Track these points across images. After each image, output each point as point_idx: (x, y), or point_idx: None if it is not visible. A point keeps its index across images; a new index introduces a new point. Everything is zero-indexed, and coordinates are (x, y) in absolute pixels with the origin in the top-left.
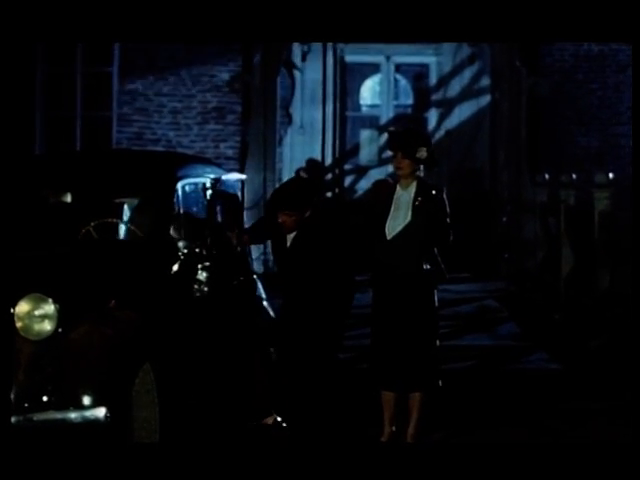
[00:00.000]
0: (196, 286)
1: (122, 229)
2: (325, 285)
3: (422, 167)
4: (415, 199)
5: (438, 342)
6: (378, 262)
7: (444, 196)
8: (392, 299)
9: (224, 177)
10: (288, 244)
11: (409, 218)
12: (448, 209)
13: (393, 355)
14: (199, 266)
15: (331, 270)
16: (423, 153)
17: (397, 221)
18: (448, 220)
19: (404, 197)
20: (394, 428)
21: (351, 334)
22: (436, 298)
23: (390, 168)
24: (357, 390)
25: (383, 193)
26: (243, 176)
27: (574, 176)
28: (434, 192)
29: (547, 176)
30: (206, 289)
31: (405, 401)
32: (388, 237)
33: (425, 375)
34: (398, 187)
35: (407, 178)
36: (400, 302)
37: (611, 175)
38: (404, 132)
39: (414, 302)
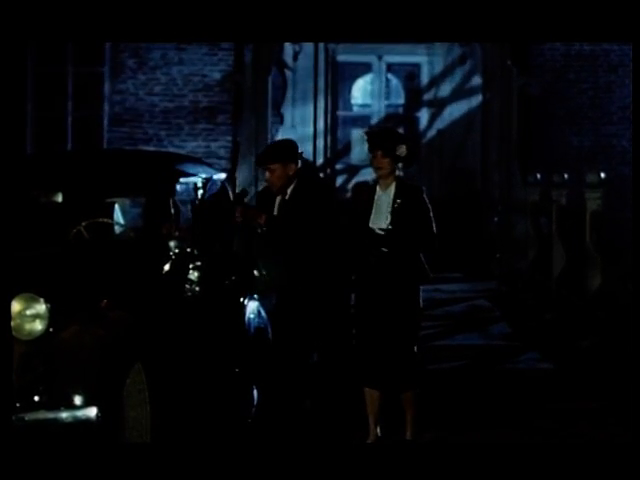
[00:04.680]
0: (188, 286)
1: (113, 229)
2: (313, 250)
3: (400, 166)
4: (394, 201)
5: (416, 345)
6: (361, 264)
7: (424, 197)
8: (375, 299)
9: (215, 177)
10: (275, 211)
11: (389, 220)
12: (431, 211)
13: (377, 354)
14: (191, 266)
15: (317, 236)
16: (403, 150)
17: (378, 223)
18: (432, 223)
19: (383, 199)
20: (379, 431)
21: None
22: (420, 299)
23: None
24: (340, 391)
25: (364, 195)
26: (222, 175)
27: (565, 176)
28: (413, 193)
29: (538, 176)
30: (198, 289)
31: (396, 402)
32: (370, 239)
33: (411, 373)
34: (377, 188)
35: (386, 178)
36: (383, 302)
37: (602, 175)
38: (381, 131)
39: (398, 302)
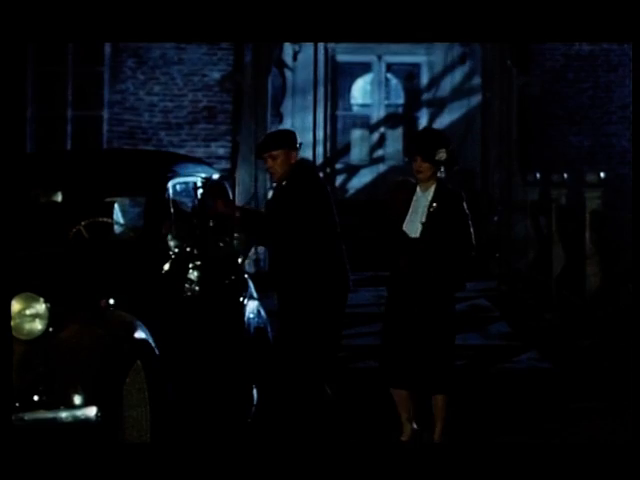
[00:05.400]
0: (187, 285)
1: (113, 228)
2: (299, 243)
3: (443, 169)
4: (431, 204)
5: (450, 351)
6: (395, 264)
7: (463, 204)
8: (406, 302)
9: (214, 177)
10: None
11: (424, 223)
12: (469, 219)
13: (405, 355)
14: (190, 265)
15: (306, 229)
16: (442, 155)
17: (414, 224)
18: (470, 231)
19: (422, 200)
20: (415, 426)
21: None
22: (454, 306)
23: (382, 167)
24: (364, 391)
25: (402, 193)
26: (216, 174)
27: (565, 175)
28: (452, 199)
29: (538, 175)
30: (197, 288)
31: (427, 403)
32: (404, 239)
33: (443, 377)
34: (418, 189)
35: (427, 181)
36: (413, 306)
37: (602, 174)
38: (421, 134)
39: (428, 307)
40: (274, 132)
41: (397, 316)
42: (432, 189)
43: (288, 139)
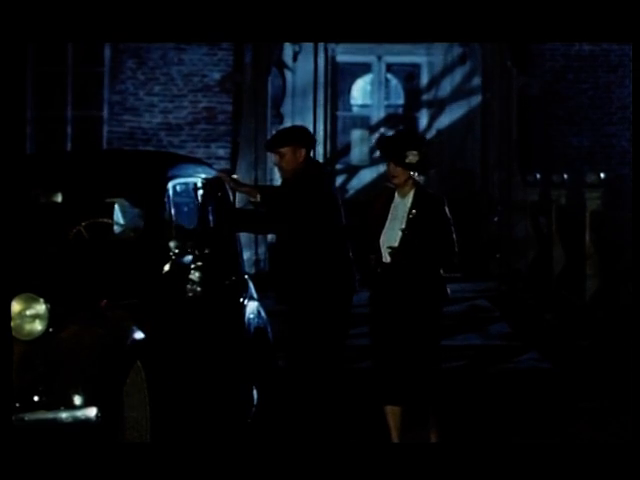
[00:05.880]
0: (187, 286)
1: (113, 229)
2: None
3: (416, 174)
4: (410, 210)
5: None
6: (375, 275)
7: (445, 208)
8: (386, 314)
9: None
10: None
11: (404, 229)
12: (451, 224)
13: (392, 369)
14: (191, 266)
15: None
16: (412, 157)
17: (393, 232)
18: (452, 237)
19: (400, 207)
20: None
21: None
22: (439, 318)
23: (382, 168)
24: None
25: (379, 200)
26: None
27: (565, 176)
28: (432, 204)
29: (538, 176)
30: (198, 289)
31: (415, 417)
32: (383, 248)
33: (428, 391)
34: (396, 195)
35: (403, 186)
36: (394, 318)
37: (602, 175)
38: (391, 138)
39: (410, 320)
40: (284, 129)
41: (380, 330)
42: (411, 194)
43: (297, 136)
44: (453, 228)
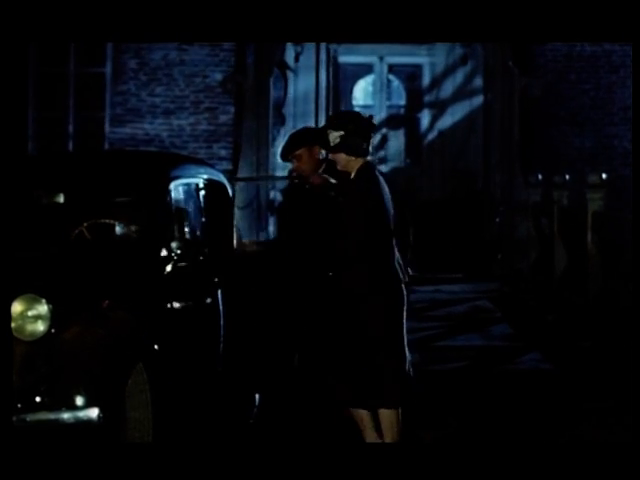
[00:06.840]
0: (189, 286)
1: (115, 229)
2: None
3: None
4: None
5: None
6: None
7: (358, 193)
8: (321, 316)
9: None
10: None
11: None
12: (360, 203)
13: (341, 371)
14: (192, 266)
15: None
16: (335, 136)
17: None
18: (355, 222)
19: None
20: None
21: None
22: (381, 313)
23: (383, 169)
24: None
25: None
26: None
27: (567, 176)
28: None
29: (540, 176)
30: (199, 289)
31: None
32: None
33: (379, 389)
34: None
35: (350, 173)
36: (328, 320)
37: (604, 175)
38: (301, 133)
39: (340, 319)
40: (293, 133)
41: (322, 335)
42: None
43: (307, 136)
44: (360, 206)
